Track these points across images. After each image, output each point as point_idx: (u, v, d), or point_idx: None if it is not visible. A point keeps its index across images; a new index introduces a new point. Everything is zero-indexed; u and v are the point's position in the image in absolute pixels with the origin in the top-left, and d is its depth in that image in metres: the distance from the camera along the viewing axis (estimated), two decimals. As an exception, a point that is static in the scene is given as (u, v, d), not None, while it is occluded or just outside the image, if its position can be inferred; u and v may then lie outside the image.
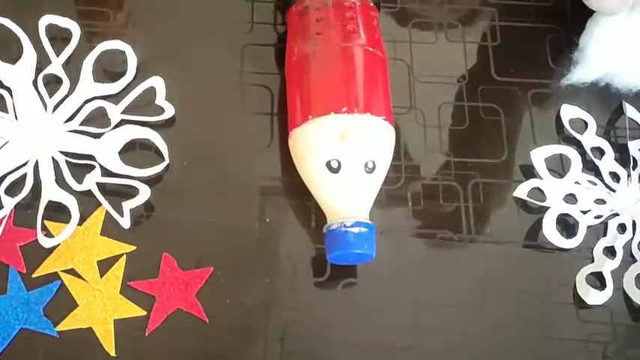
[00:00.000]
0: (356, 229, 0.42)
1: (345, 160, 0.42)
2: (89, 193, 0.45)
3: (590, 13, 0.51)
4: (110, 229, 0.45)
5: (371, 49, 0.45)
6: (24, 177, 0.45)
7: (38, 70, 0.48)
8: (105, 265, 0.44)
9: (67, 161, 0.46)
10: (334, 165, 0.42)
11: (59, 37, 0.49)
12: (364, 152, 0.43)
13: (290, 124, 0.45)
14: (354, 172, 0.43)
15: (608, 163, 0.50)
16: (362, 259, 0.43)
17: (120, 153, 0.46)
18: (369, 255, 0.42)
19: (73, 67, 0.48)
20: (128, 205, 0.45)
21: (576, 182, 0.49)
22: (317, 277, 0.45)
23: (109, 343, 0.42)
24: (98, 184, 0.45)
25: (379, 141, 0.44)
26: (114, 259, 0.44)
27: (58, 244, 0.44)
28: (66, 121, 0.47)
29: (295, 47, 0.46)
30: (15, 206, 0.44)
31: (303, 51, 0.46)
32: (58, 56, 0.48)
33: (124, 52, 0.49)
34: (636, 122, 0.51)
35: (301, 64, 0.46)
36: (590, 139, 0.50)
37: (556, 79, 0.52)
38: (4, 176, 0.45)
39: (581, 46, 0.51)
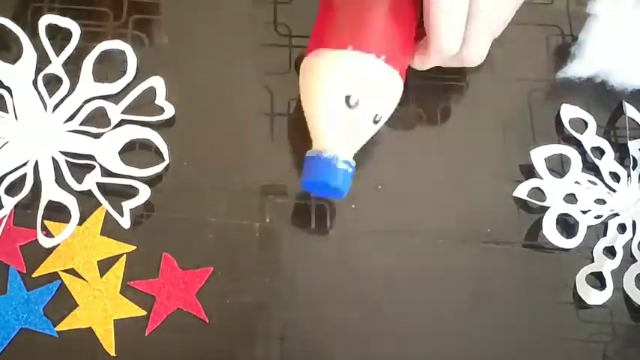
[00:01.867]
0: (345, 166, 0.42)
1: (363, 103, 0.43)
2: (89, 193, 0.45)
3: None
4: (110, 229, 0.45)
5: None
6: (24, 177, 0.45)
7: (38, 70, 0.48)
8: (105, 265, 0.44)
9: (67, 161, 0.46)
10: (352, 102, 0.42)
11: (59, 37, 0.49)
12: (379, 104, 0.44)
13: (316, 45, 0.45)
14: (364, 118, 0.43)
15: (608, 163, 0.50)
16: (333, 193, 0.44)
17: (120, 153, 0.46)
18: (341, 191, 0.43)
19: (73, 67, 0.48)
20: (128, 205, 0.45)
21: (576, 182, 0.49)
22: (317, 276, 0.45)
23: (109, 343, 0.42)
24: (98, 184, 0.45)
25: (392, 98, 0.45)
26: (114, 259, 0.44)
27: (58, 244, 0.44)
28: (66, 121, 0.47)
29: None
30: (15, 206, 0.44)
31: None
32: (58, 56, 0.48)
33: (123, 52, 0.49)
34: (636, 122, 0.52)
35: None
36: (590, 138, 0.50)
37: (552, 72, 0.52)
38: (4, 176, 0.45)
39: (580, 41, 0.51)
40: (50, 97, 0.47)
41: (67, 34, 0.49)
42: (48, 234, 0.44)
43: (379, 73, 0.43)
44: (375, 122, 0.44)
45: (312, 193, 0.46)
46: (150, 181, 0.46)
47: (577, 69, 0.51)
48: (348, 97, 0.42)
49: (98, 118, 0.47)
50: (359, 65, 0.43)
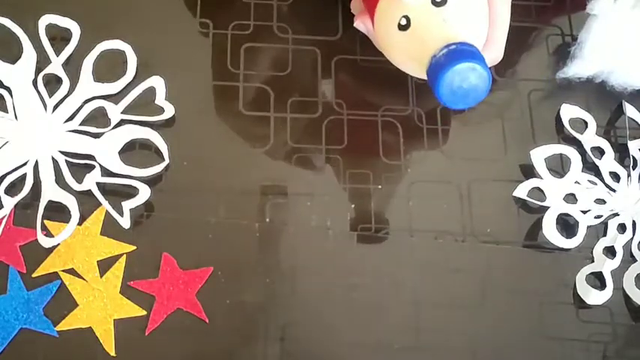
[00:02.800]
0: (453, 47, 0.38)
1: (413, 10, 0.41)
2: (89, 193, 0.45)
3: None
4: (110, 229, 0.45)
5: None
6: (24, 177, 0.45)
7: (38, 70, 0.48)
8: (105, 265, 0.44)
9: (66, 161, 0.46)
10: (403, 22, 0.41)
11: (59, 37, 0.49)
12: None
13: None
14: (426, 15, 0.40)
15: (608, 162, 0.50)
16: (477, 86, 0.38)
17: (120, 153, 0.46)
18: (477, 69, 0.38)
19: (73, 66, 0.48)
20: (128, 205, 0.45)
21: (576, 182, 0.49)
22: (317, 276, 0.45)
23: (108, 343, 0.42)
24: (98, 184, 0.45)
25: None
26: (114, 259, 0.44)
27: (58, 244, 0.44)
28: (66, 121, 0.47)
29: None
30: (15, 206, 0.44)
31: None
32: (57, 56, 0.48)
33: (124, 52, 0.49)
34: (636, 122, 0.52)
35: None
36: (590, 138, 0.50)
37: (552, 72, 0.52)
38: (4, 176, 0.45)
39: (580, 41, 0.51)
40: (50, 97, 0.47)
41: (67, 34, 0.49)
42: (48, 234, 0.44)
43: None
44: (439, 3, 0.40)
45: (448, 99, 0.39)
46: (150, 181, 0.46)
47: (577, 69, 0.51)
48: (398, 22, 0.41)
49: (98, 118, 0.47)
50: None
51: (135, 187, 0.45)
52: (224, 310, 0.44)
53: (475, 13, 0.42)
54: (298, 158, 0.48)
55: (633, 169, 0.50)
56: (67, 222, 0.44)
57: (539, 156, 0.49)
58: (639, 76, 0.51)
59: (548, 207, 0.48)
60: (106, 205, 0.45)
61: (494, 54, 0.45)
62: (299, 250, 0.46)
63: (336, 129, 0.49)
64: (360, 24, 0.47)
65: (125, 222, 0.44)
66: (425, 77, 0.40)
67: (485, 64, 0.38)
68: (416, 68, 0.42)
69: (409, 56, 0.42)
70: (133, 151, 0.47)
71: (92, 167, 0.45)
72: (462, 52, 0.38)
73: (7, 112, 0.46)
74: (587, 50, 0.51)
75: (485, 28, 0.43)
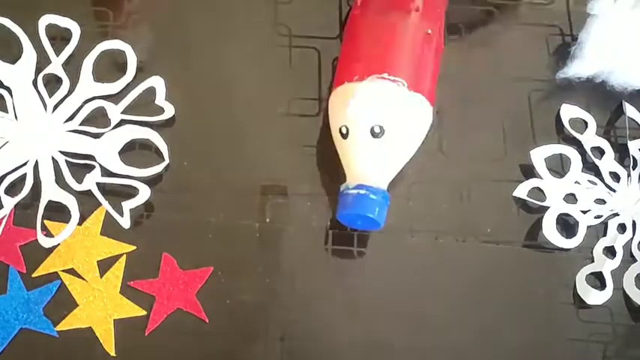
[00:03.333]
0: (354, 192, 0.43)
1: (352, 125, 0.43)
2: (89, 193, 0.45)
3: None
4: (110, 229, 0.45)
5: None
6: (24, 177, 0.45)
7: (38, 70, 0.48)
8: (105, 265, 0.44)
9: (66, 161, 0.46)
10: (344, 131, 0.44)
11: (59, 37, 0.49)
12: (370, 117, 0.43)
13: (338, 80, 0.46)
14: (360, 137, 0.43)
15: (608, 162, 0.50)
16: (368, 224, 0.44)
17: (120, 153, 0.46)
18: (376, 222, 0.43)
19: (73, 66, 0.48)
20: (128, 205, 0.45)
21: (576, 182, 0.49)
22: (317, 276, 0.45)
23: (108, 342, 0.42)
24: (98, 184, 0.45)
25: (390, 105, 0.44)
26: (114, 259, 0.44)
27: (58, 244, 0.44)
28: (66, 121, 0.47)
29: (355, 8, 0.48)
30: (15, 206, 0.44)
31: (353, 13, 0.48)
32: (57, 56, 0.48)
33: (124, 52, 0.49)
34: (636, 122, 0.52)
35: (348, 28, 0.48)
36: (590, 138, 0.50)
37: (552, 72, 0.52)
38: (4, 176, 0.45)
39: (580, 41, 0.51)
40: (50, 97, 0.47)
41: (67, 34, 0.49)
42: (48, 234, 0.44)
43: (403, 99, 0.44)
44: (377, 135, 0.43)
45: (348, 225, 0.46)
46: (150, 181, 0.46)
47: (577, 69, 0.51)
48: (340, 128, 0.44)
49: (98, 118, 0.47)
50: (382, 94, 0.43)
51: (135, 187, 0.45)
52: (224, 310, 0.44)
53: (402, 152, 0.45)
54: (298, 158, 0.48)
55: (633, 169, 0.50)
56: (67, 222, 0.44)
57: (539, 156, 0.49)
58: (639, 76, 0.51)
59: (548, 207, 0.48)
60: (106, 205, 0.45)
61: None
62: (299, 250, 0.46)
63: (336, 129, 0.49)
64: None
65: (125, 222, 0.44)
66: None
67: (381, 213, 0.43)
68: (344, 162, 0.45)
69: (341, 154, 0.45)
70: (133, 151, 0.47)
71: (92, 167, 0.45)
72: (365, 202, 0.43)
73: (7, 112, 0.46)
74: (587, 50, 0.51)
75: (410, 154, 0.46)
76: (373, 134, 0.43)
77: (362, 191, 0.43)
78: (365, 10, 0.47)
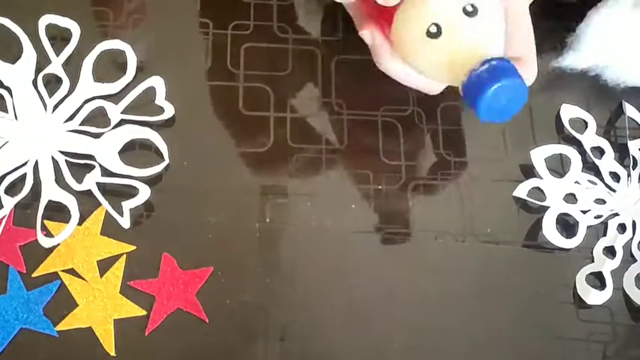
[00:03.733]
0: (485, 66, 0.38)
1: (444, 15, 0.40)
2: (89, 193, 0.45)
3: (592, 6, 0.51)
4: (110, 229, 0.45)
5: None
6: (24, 177, 0.45)
7: (38, 70, 0.48)
8: (105, 265, 0.44)
9: (66, 161, 0.46)
10: (433, 30, 0.40)
11: (59, 37, 0.49)
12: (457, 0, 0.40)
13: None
14: (458, 22, 0.40)
15: (608, 162, 0.50)
16: (512, 102, 0.39)
17: (120, 153, 0.46)
18: (521, 88, 0.38)
19: (73, 66, 0.48)
20: (128, 205, 0.45)
21: (576, 182, 0.49)
22: (317, 277, 0.45)
23: (108, 342, 0.42)
24: (98, 184, 0.45)
25: None
26: (114, 259, 0.44)
27: (58, 244, 0.44)
28: (66, 121, 0.47)
29: None
30: (15, 206, 0.44)
31: None
32: (57, 56, 0.48)
33: (123, 52, 0.49)
34: (636, 122, 0.52)
35: None
36: (590, 138, 0.50)
37: (546, 62, 0.52)
38: (4, 176, 0.45)
39: (578, 33, 0.51)
40: (50, 97, 0.47)
41: (67, 34, 0.49)
42: (48, 234, 0.44)
43: None
44: (470, 13, 0.39)
45: (487, 118, 0.40)
46: (150, 181, 0.46)
47: (572, 60, 0.51)
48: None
49: (98, 118, 0.47)
50: None
51: (135, 187, 0.45)
52: (224, 310, 0.44)
53: (499, 26, 0.41)
54: (298, 158, 0.48)
55: (633, 169, 0.50)
56: (67, 222, 0.44)
57: (539, 156, 0.49)
58: (634, 73, 0.51)
59: (548, 207, 0.48)
60: (106, 205, 0.45)
61: (529, 75, 0.43)
62: (299, 250, 0.46)
63: (336, 129, 0.49)
64: (367, 33, 0.45)
65: (125, 222, 0.44)
66: (452, 85, 0.40)
67: (522, 80, 0.38)
68: (444, 77, 0.41)
69: (439, 64, 0.41)
70: (133, 151, 0.46)
71: (92, 167, 0.45)
72: (503, 69, 0.38)
73: (7, 112, 0.46)
74: (583, 43, 0.50)
75: (503, 41, 0.42)
76: (467, 13, 0.40)
77: (493, 62, 0.38)
78: None
